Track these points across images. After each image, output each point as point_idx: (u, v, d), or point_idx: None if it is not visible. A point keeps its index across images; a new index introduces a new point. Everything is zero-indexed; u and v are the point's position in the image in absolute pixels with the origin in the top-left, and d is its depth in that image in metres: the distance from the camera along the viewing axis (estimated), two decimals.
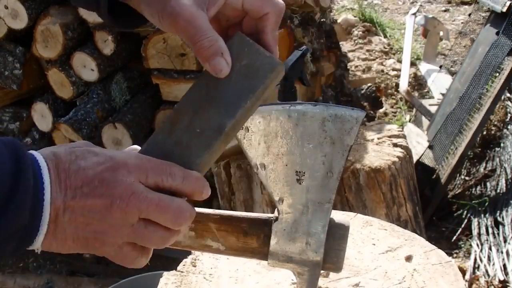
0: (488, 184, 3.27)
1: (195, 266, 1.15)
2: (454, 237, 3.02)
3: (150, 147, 0.76)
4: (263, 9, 0.77)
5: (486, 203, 3.09)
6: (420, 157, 3.39)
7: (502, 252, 2.73)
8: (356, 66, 4.90)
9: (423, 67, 4.68)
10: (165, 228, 0.70)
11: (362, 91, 4.04)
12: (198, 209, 0.79)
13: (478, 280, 2.63)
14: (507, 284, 2.56)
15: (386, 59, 5.08)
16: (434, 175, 3.23)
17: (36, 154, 0.67)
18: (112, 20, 0.84)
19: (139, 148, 0.77)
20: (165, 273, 1.13)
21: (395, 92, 4.57)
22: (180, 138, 0.75)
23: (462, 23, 5.37)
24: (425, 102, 4.03)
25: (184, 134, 0.75)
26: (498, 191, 3.16)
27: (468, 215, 3.11)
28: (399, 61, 4.87)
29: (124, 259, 0.71)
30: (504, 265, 2.65)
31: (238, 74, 0.75)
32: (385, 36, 5.49)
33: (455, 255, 2.95)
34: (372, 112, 4.09)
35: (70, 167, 0.66)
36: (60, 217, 0.66)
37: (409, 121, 4.11)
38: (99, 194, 0.66)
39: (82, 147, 0.71)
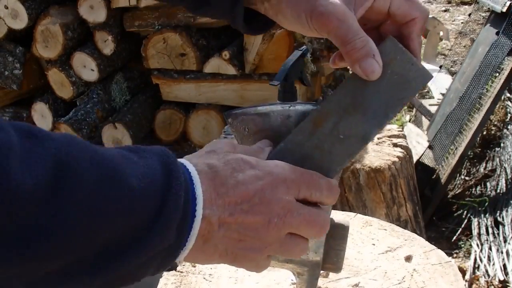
0: (488, 184, 3.27)
1: (194, 267, 1.15)
2: (454, 237, 3.02)
3: (289, 146, 0.73)
4: (412, 14, 0.74)
5: (486, 203, 3.09)
6: (420, 157, 3.39)
7: (502, 252, 2.73)
8: None
9: None
10: (305, 239, 0.69)
11: None
12: None
13: (478, 280, 2.63)
14: (507, 284, 2.56)
15: None
16: (434, 175, 3.23)
17: (188, 165, 0.62)
18: (247, 27, 0.82)
19: (268, 143, 0.74)
20: (165, 273, 1.13)
21: None
22: (321, 142, 0.72)
23: (462, 23, 5.37)
24: (425, 102, 4.03)
25: (327, 139, 0.73)
26: (498, 191, 3.16)
27: (468, 215, 3.10)
28: None
29: (260, 268, 0.70)
30: (504, 265, 2.65)
31: (389, 81, 0.72)
32: None
33: (455, 255, 2.95)
34: None
35: (228, 182, 0.62)
36: (214, 233, 0.62)
37: (409, 121, 4.11)
38: (258, 212, 0.63)
39: (232, 152, 0.67)
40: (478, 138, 3.44)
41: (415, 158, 3.18)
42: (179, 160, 0.62)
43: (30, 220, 0.48)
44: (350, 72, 0.74)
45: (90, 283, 0.55)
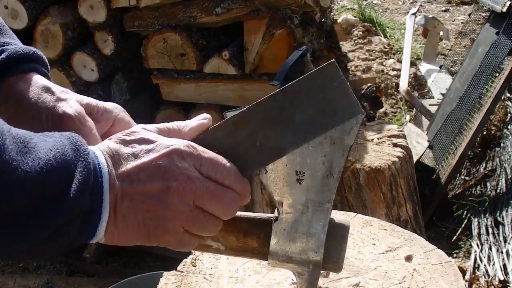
0: (488, 184, 3.27)
1: (195, 266, 1.15)
2: (454, 237, 3.02)
3: (206, 139, 0.76)
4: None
5: (486, 203, 3.09)
6: (420, 157, 3.39)
7: (502, 252, 2.73)
8: (356, 66, 4.90)
9: (423, 67, 4.68)
10: (216, 217, 0.73)
11: (362, 91, 4.04)
12: None
13: (478, 280, 2.63)
14: (507, 284, 2.56)
15: (386, 59, 5.08)
16: (434, 175, 3.23)
17: (93, 147, 0.69)
18: None
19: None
20: (165, 273, 1.13)
21: (395, 92, 4.57)
22: (238, 144, 0.75)
23: (462, 23, 5.37)
24: (425, 102, 4.03)
25: (244, 142, 0.75)
26: (498, 191, 3.16)
27: (468, 215, 3.11)
28: (399, 61, 4.87)
29: (183, 245, 0.74)
30: (504, 265, 2.65)
31: (318, 105, 0.73)
32: (385, 36, 5.49)
33: (455, 255, 2.95)
34: (372, 112, 4.09)
35: (126, 157, 0.69)
36: (119, 203, 0.67)
37: (409, 121, 4.11)
38: (155, 179, 0.68)
39: (136, 132, 0.73)
40: (478, 138, 3.44)
41: (415, 158, 3.18)
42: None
43: None
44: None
45: (9, 247, 0.59)
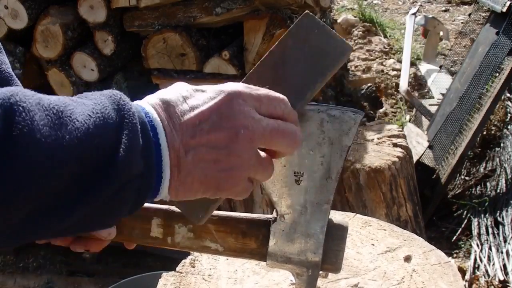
0: (488, 184, 3.27)
1: (194, 267, 1.15)
2: (454, 237, 3.02)
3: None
4: None
5: (486, 203, 3.09)
6: (420, 157, 3.39)
7: (502, 252, 2.73)
8: (356, 66, 4.90)
9: (423, 67, 4.68)
10: (272, 159, 0.70)
11: (362, 91, 4.04)
12: None
13: (478, 280, 2.63)
14: (507, 284, 2.56)
15: (386, 59, 5.08)
16: (434, 175, 3.23)
17: (140, 102, 0.64)
18: None
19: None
20: (164, 274, 1.13)
21: (395, 92, 4.57)
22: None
23: (462, 23, 5.37)
24: (425, 102, 4.03)
25: None
26: (498, 191, 3.16)
27: (468, 215, 3.10)
28: (399, 61, 4.87)
29: (246, 192, 0.69)
30: (504, 265, 2.65)
31: (308, 55, 0.74)
32: (385, 36, 5.49)
33: (455, 255, 2.95)
34: (372, 112, 4.09)
35: (181, 108, 0.63)
36: (182, 158, 0.62)
37: (409, 121, 4.11)
38: (220, 128, 0.63)
39: (185, 88, 0.68)
40: (478, 138, 3.44)
41: (415, 158, 3.18)
42: (134, 101, 0.64)
43: None
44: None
45: (66, 219, 0.55)
